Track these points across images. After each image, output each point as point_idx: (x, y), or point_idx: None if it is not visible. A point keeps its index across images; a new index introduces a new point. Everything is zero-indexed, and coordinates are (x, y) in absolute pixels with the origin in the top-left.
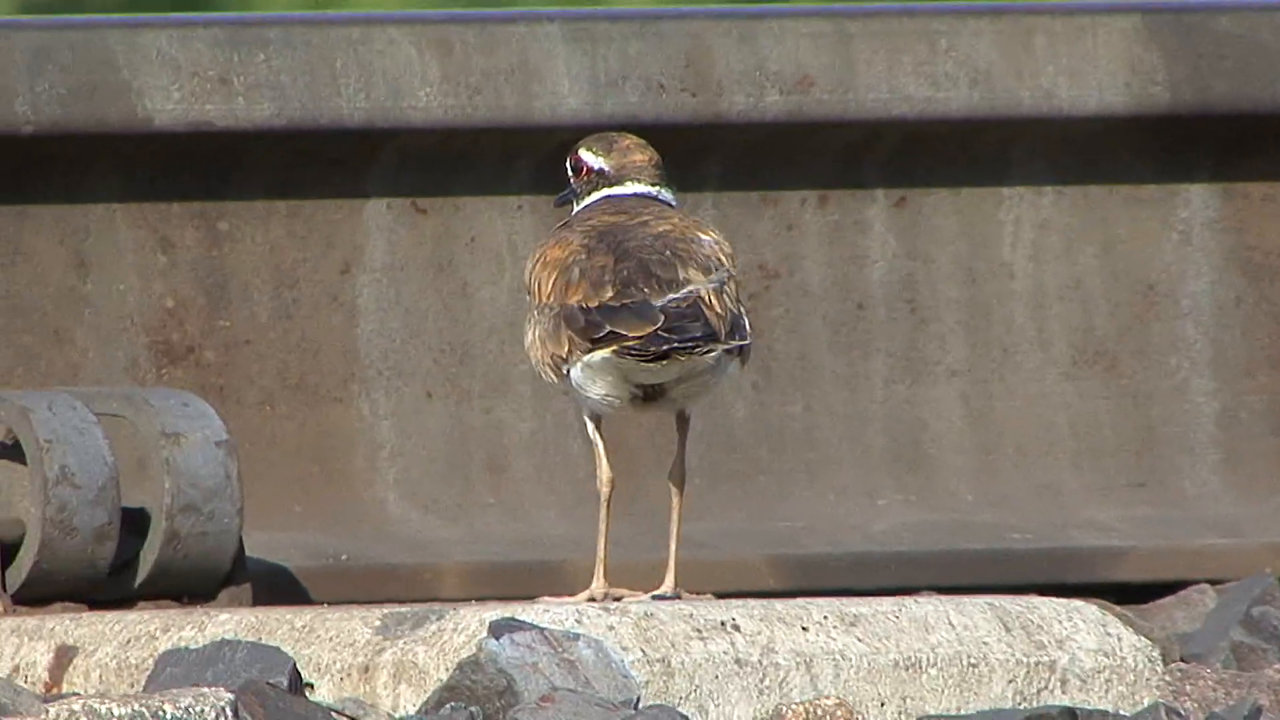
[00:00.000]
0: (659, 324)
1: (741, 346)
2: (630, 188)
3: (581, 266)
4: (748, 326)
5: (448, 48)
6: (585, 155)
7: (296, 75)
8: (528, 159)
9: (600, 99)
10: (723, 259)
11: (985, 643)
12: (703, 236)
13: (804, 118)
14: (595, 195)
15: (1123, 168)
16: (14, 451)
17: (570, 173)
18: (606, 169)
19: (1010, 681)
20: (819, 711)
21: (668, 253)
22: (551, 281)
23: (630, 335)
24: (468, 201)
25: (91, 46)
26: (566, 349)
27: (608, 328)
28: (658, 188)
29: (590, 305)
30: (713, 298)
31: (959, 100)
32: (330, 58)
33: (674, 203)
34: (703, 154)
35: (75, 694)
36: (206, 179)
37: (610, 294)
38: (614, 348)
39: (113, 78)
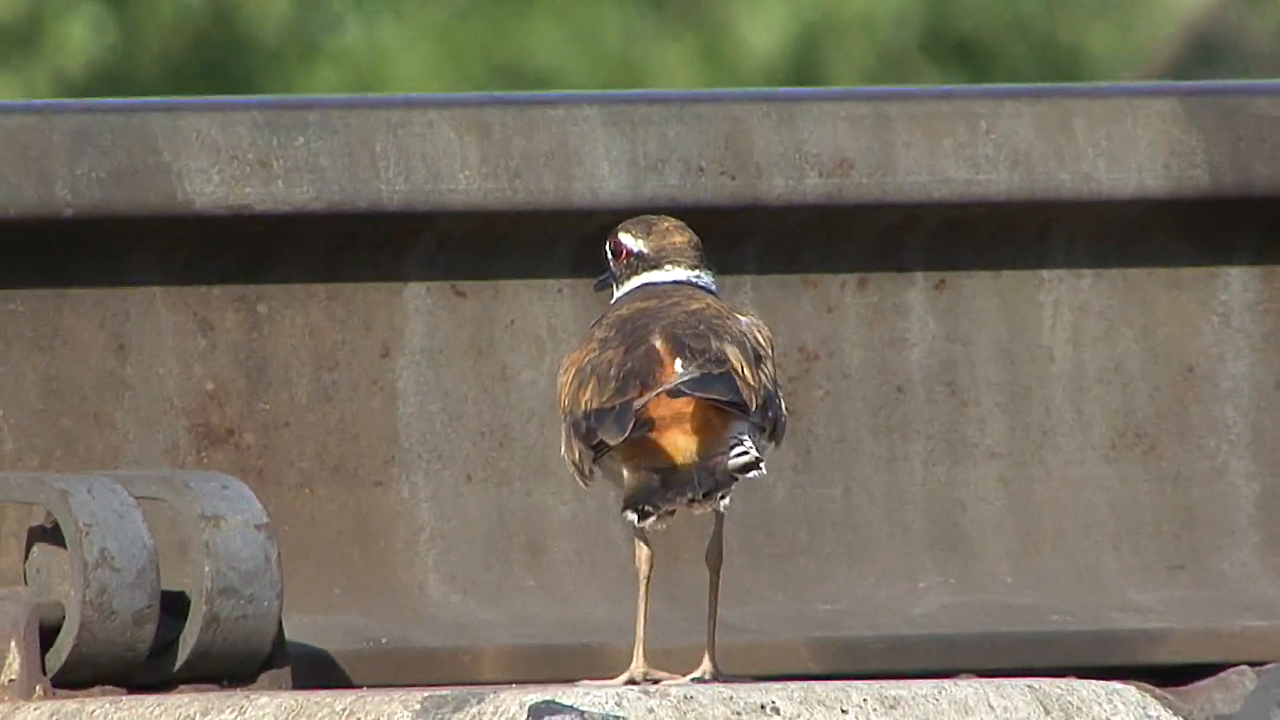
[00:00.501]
0: (627, 434)
1: (774, 427)
2: (669, 271)
3: (593, 364)
4: (782, 407)
5: (487, 131)
6: (624, 238)
7: (336, 158)
8: (568, 242)
9: (640, 181)
10: (760, 340)
11: None
12: (740, 317)
13: (843, 200)
14: (634, 281)
15: (1162, 250)
16: (54, 534)
17: (609, 256)
18: (645, 251)
19: None
20: None
21: (701, 327)
22: (568, 387)
23: (611, 444)
24: (507, 285)
25: (132, 129)
26: (578, 456)
27: (599, 436)
28: (697, 271)
29: (592, 409)
30: (746, 369)
31: (999, 183)
32: (369, 140)
33: (713, 287)
34: (742, 236)
35: None
36: (246, 262)
37: (610, 390)
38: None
39: (153, 160)
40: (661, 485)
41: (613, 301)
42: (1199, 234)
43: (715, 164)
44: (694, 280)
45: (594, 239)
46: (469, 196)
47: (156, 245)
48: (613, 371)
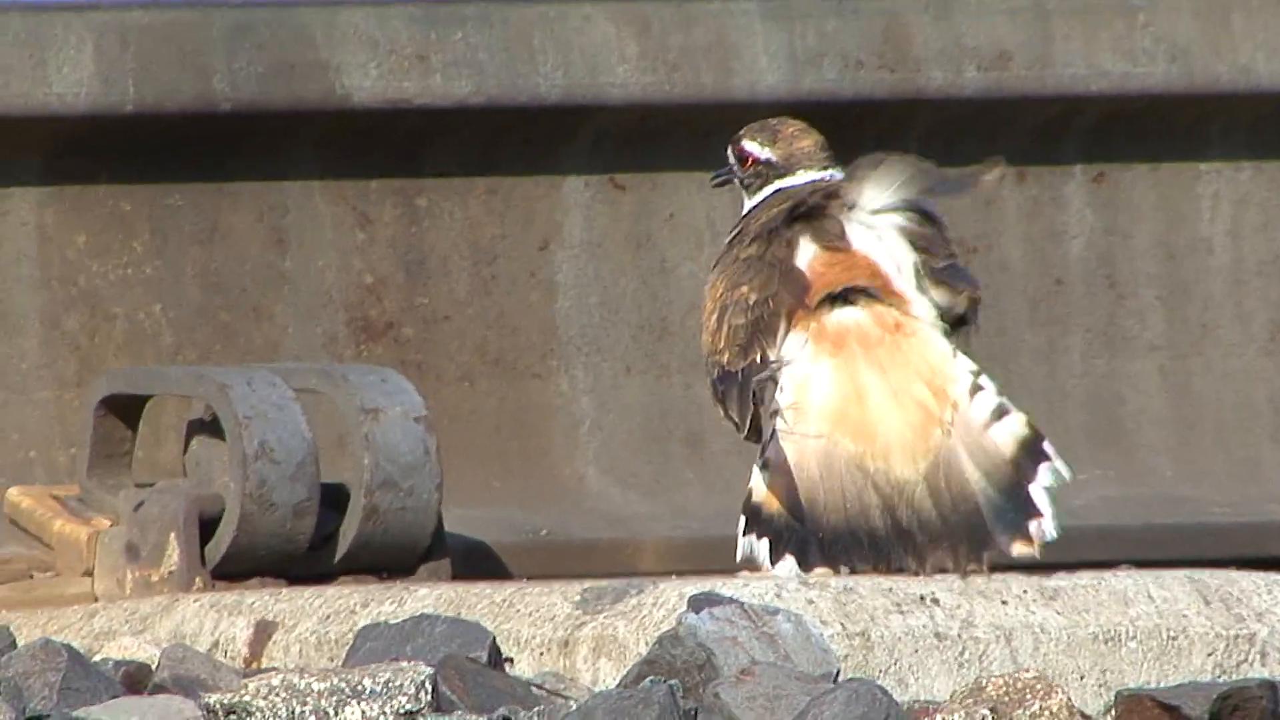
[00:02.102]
0: (746, 429)
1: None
2: (801, 176)
3: (723, 305)
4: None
5: (645, 25)
6: (750, 146)
7: (494, 52)
8: (726, 135)
9: (798, 76)
10: None
11: (1185, 615)
12: None
13: (1002, 93)
14: (767, 189)
15: None
16: (213, 428)
17: (734, 162)
18: (775, 159)
19: (1210, 654)
20: (1019, 684)
21: None
22: (709, 330)
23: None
24: (666, 178)
25: (289, 24)
26: (722, 415)
27: (727, 412)
28: (828, 170)
29: (724, 365)
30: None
31: (1157, 76)
32: (527, 35)
33: None
34: (900, 130)
35: (274, 668)
36: (404, 156)
37: (738, 346)
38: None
39: (310, 55)
40: (871, 537)
41: (746, 211)
42: None
43: (874, 57)
44: (827, 180)
45: None
46: (627, 90)
47: (314, 139)
48: (739, 320)
